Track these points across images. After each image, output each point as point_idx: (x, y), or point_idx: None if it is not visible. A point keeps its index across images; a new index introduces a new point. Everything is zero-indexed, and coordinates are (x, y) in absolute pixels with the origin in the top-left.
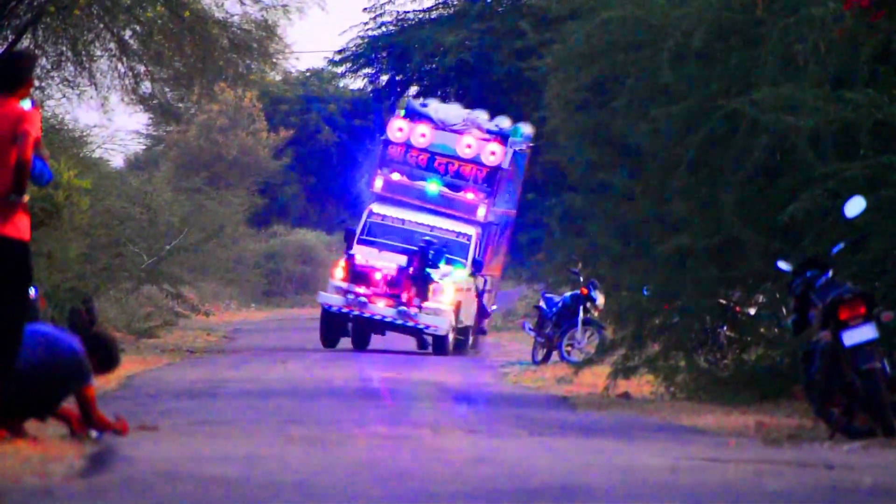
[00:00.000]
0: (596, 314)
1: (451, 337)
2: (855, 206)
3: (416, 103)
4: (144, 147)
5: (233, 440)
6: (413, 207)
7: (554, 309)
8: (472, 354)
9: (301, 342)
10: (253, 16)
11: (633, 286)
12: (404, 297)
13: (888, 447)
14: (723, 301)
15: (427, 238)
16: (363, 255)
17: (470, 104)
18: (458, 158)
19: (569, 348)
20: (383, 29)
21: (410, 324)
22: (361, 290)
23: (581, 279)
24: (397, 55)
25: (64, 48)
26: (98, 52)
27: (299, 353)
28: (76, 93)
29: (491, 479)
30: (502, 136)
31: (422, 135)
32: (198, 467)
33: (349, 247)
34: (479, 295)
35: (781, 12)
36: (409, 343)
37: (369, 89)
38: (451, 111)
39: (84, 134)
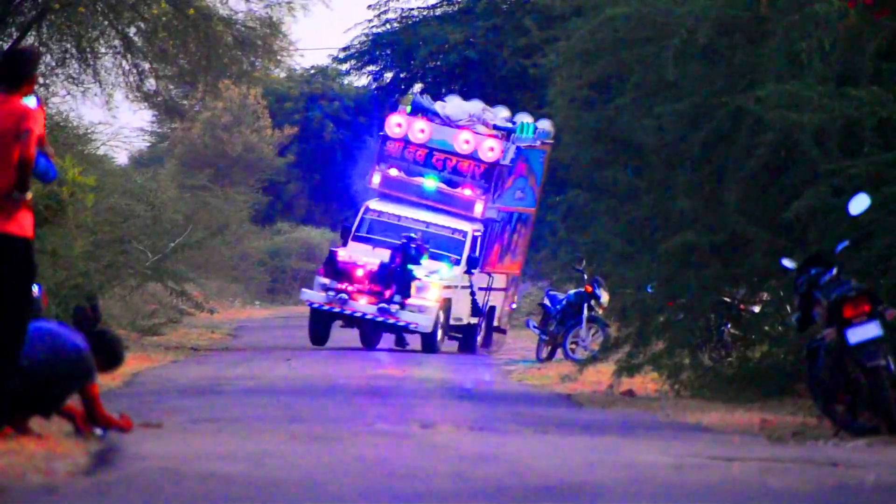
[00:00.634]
0: (600, 312)
1: (439, 334)
2: (859, 204)
3: (424, 99)
4: (149, 144)
5: (237, 438)
6: (410, 204)
7: (558, 306)
8: (482, 352)
9: (305, 340)
10: (257, 13)
11: (638, 284)
12: (387, 293)
13: (892, 444)
14: (727, 298)
15: (408, 234)
16: (350, 251)
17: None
18: (456, 154)
19: (573, 346)
20: (388, 26)
21: (391, 321)
22: (343, 286)
23: (585, 277)
24: (401, 52)
25: (68, 45)
26: (102, 49)
27: (303, 350)
28: (80, 90)
29: (495, 477)
30: (507, 132)
31: (420, 130)
32: (202, 465)
33: (344, 243)
34: (472, 293)
35: (785, 9)
36: (414, 341)
37: (373, 86)
38: (459, 107)
39: (88, 131)
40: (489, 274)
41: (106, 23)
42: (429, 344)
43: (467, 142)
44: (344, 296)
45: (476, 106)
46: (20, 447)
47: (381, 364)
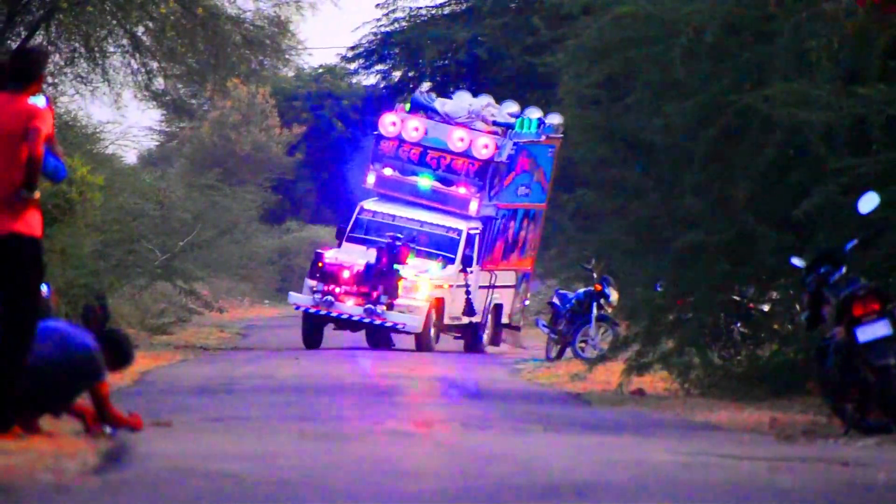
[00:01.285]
0: (609, 310)
1: (431, 332)
2: (868, 202)
3: (423, 97)
4: (157, 143)
5: (246, 437)
6: (405, 203)
7: (567, 305)
8: (491, 350)
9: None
10: (266, 12)
11: (647, 282)
12: (373, 294)
13: None
14: (736, 297)
15: (392, 234)
16: (338, 253)
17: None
18: (450, 152)
19: (582, 345)
20: (396, 25)
21: (378, 322)
22: (330, 288)
23: (594, 275)
24: (410, 51)
25: (77, 44)
26: (111, 49)
27: (312, 349)
28: (89, 89)
29: (505, 476)
30: (507, 128)
31: (414, 129)
32: (212, 464)
33: (339, 245)
34: (467, 291)
35: (793, 8)
36: (407, 342)
37: (382, 85)
38: (460, 103)
39: (97, 130)
40: (491, 272)
41: (114, 22)
42: (420, 343)
43: (461, 139)
44: (330, 298)
45: (481, 101)
46: (30, 446)
47: (390, 363)
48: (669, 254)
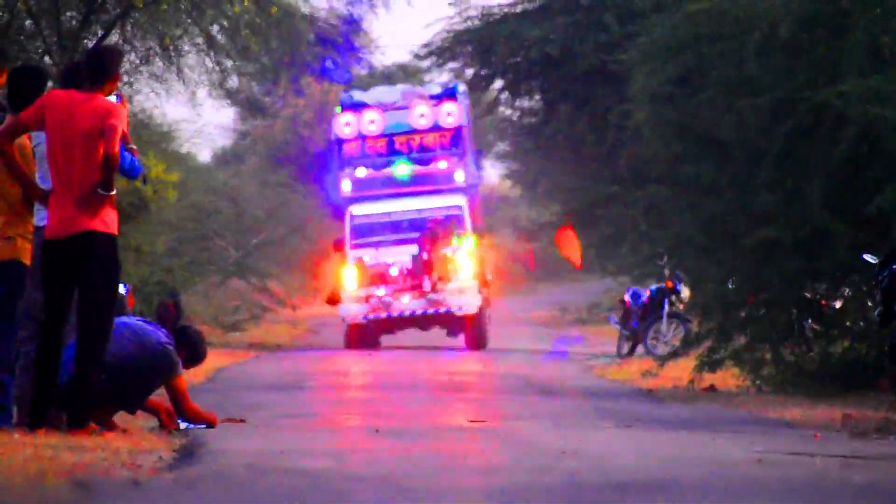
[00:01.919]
0: (681, 307)
1: (486, 314)
2: None
3: (349, 95)
4: (231, 141)
5: (319, 433)
6: (391, 197)
7: (639, 302)
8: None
9: (386, 336)
10: (339, 10)
11: (719, 279)
12: (426, 284)
13: None
14: (808, 294)
15: (432, 218)
16: (370, 255)
17: (554, 97)
18: (417, 131)
19: (654, 341)
20: (468, 23)
21: (443, 309)
22: (382, 290)
23: (666, 272)
24: (482, 49)
25: (152, 43)
26: (186, 47)
27: (385, 346)
28: (164, 88)
29: (578, 472)
30: (449, 96)
31: (371, 122)
32: (285, 460)
33: (342, 255)
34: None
35: (868, 3)
36: (498, 339)
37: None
38: (386, 91)
39: (172, 129)
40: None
41: (189, 21)
42: (475, 336)
43: (423, 115)
44: (388, 299)
45: (402, 88)
46: (105, 442)
47: (462, 360)
48: (742, 250)
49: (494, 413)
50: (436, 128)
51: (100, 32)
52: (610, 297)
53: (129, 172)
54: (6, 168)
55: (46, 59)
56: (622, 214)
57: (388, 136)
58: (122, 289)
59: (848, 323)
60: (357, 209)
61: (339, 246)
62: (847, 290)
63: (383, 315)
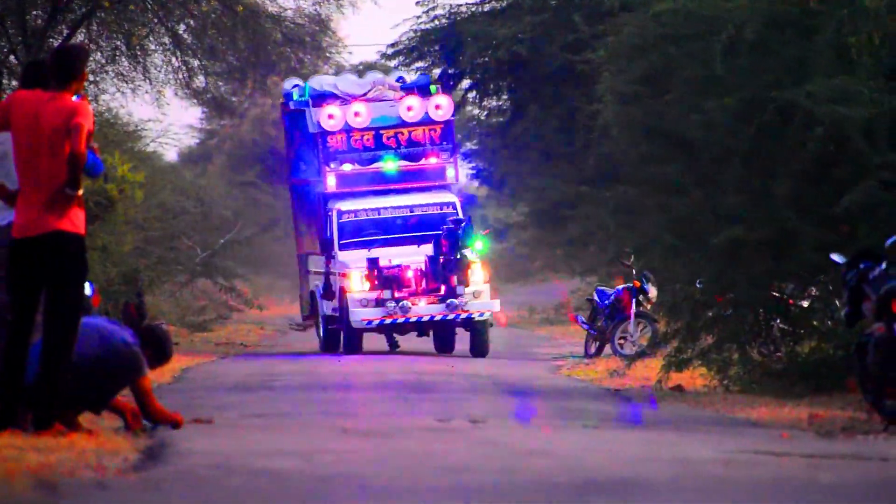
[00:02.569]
0: (649, 307)
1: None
2: None
3: (318, 83)
4: (198, 141)
5: (287, 433)
6: (378, 194)
7: (607, 302)
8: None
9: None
10: (306, 10)
11: (686, 279)
12: (443, 289)
13: None
14: (776, 293)
15: (453, 218)
16: (380, 256)
17: (522, 97)
18: (406, 125)
19: (621, 341)
20: (436, 22)
21: (463, 315)
22: (400, 293)
23: (634, 272)
24: (450, 48)
25: (118, 42)
26: (152, 47)
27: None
28: (130, 87)
29: (545, 472)
30: (419, 87)
31: (356, 114)
32: (252, 461)
33: (329, 257)
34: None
35: (835, 3)
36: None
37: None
38: (354, 80)
39: (138, 128)
40: None
41: (155, 20)
42: (478, 343)
43: (410, 108)
44: (406, 303)
45: (370, 77)
46: (70, 443)
47: (429, 361)
48: (710, 250)
49: (463, 413)
50: (426, 121)
51: (66, 31)
52: (577, 297)
53: (92, 170)
54: None
55: (12, 58)
56: (590, 214)
57: (376, 130)
58: (88, 289)
59: (815, 323)
60: (345, 206)
61: (326, 245)
62: (814, 290)
63: (400, 320)
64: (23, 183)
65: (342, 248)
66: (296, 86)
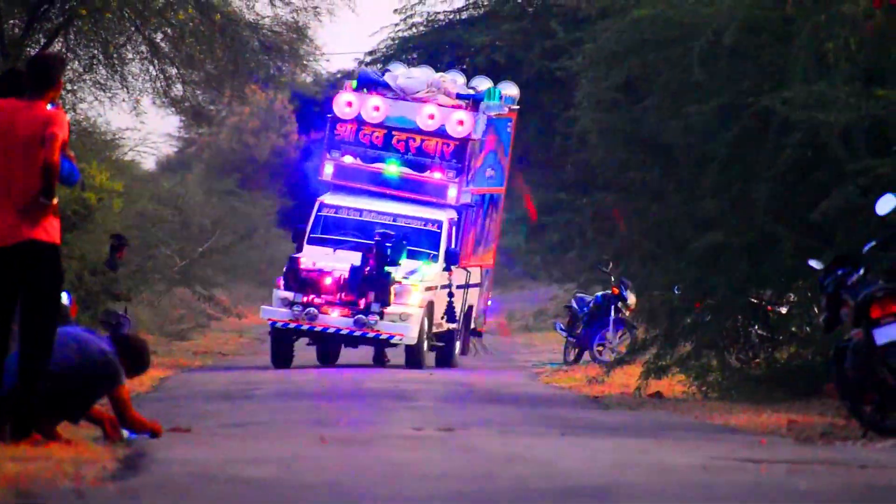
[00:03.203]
0: (627, 314)
1: (424, 345)
2: (886, 204)
3: (372, 71)
4: (176, 149)
5: (266, 442)
6: (371, 195)
7: (585, 309)
8: (461, 364)
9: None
10: (284, 18)
11: (665, 285)
12: (361, 303)
13: None
14: (754, 299)
15: (382, 231)
16: (311, 256)
17: None
18: (420, 132)
19: (600, 348)
20: (413, 30)
21: (370, 334)
22: (309, 299)
23: (612, 279)
24: (428, 56)
25: (96, 51)
26: (130, 55)
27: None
28: (108, 96)
29: (524, 479)
30: (474, 101)
31: (374, 108)
32: (231, 469)
33: (298, 248)
34: (450, 293)
35: (812, 9)
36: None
37: None
38: (416, 77)
39: (116, 137)
40: (466, 269)
41: (133, 29)
42: (413, 358)
43: (431, 116)
44: (313, 310)
45: (429, 73)
46: (48, 453)
47: (409, 370)
48: (688, 256)
49: (441, 420)
50: (441, 134)
51: (43, 40)
52: (556, 304)
53: (68, 179)
54: None
55: None
56: (569, 221)
57: (388, 129)
58: (65, 298)
59: (793, 329)
60: (329, 198)
61: (298, 235)
62: (793, 296)
63: (305, 327)
64: None
65: (311, 241)
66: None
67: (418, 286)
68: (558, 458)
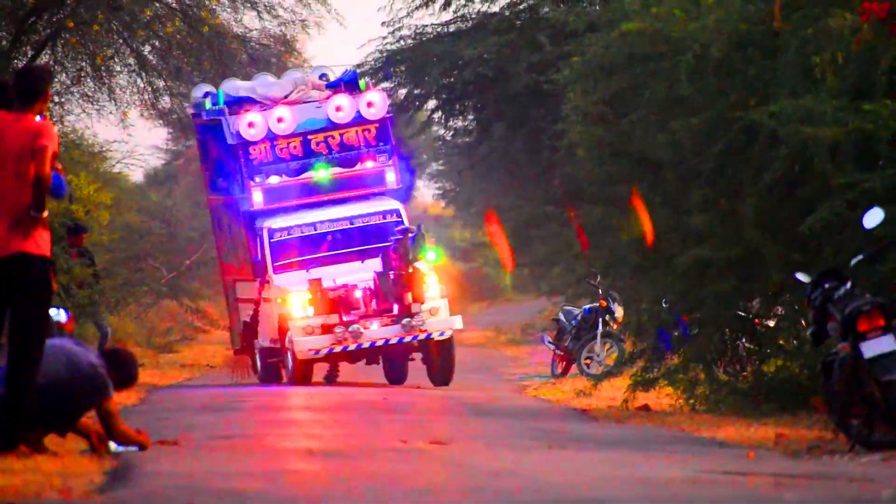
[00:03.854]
0: (615, 327)
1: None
2: (874, 218)
3: (232, 88)
4: (164, 162)
5: (252, 455)
6: (312, 207)
7: (573, 321)
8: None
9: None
10: (271, 31)
11: (653, 298)
12: (396, 307)
13: None
14: (742, 313)
15: (402, 227)
16: (319, 276)
17: (488, 117)
18: (336, 127)
19: (588, 361)
20: (401, 43)
21: (421, 335)
22: (348, 318)
23: (600, 292)
24: (415, 69)
25: (83, 64)
26: (117, 68)
27: (319, 367)
28: (95, 108)
29: (511, 492)
30: (347, 85)
31: (279, 119)
32: (218, 482)
33: (263, 281)
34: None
35: (799, 24)
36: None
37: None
38: (277, 81)
39: (104, 149)
40: None
41: (120, 41)
42: (441, 369)
43: (340, 108)
44: (357, 327)
45: (292, 74)
46: (36, 465)
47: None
48: (676, 270)
49: (428, 434)
50: (358, 121)
51: (30, 53)
52: (544, 317)
53: (56, 191)
54: None
55: None
56: (556, 234)
57: (303, 136)
58: (63, 315)
59: (781, 342)
60: (276, 223)
61: (258, 269)
62: (780, 310)
63: (352, 346)
64: None
65: (277, 270)
66: (207, 93)
67: (435, 277)
68: (546, 472)
